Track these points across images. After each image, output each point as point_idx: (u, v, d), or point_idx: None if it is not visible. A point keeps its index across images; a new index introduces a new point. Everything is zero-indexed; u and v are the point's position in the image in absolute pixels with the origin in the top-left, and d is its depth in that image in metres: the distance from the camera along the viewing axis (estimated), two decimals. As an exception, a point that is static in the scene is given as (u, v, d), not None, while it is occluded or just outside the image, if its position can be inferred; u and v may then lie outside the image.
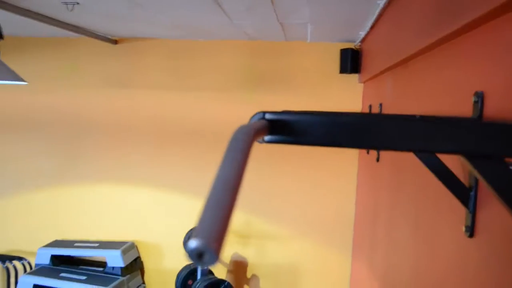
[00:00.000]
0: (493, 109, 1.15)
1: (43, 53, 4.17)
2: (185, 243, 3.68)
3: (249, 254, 4.01)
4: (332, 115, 0.69)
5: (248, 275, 4.02)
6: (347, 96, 3.64)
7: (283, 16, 2.80)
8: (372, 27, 2.80)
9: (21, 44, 4.12)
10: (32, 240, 4.20)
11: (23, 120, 4.25)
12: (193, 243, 0.33)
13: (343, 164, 3.74)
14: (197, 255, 0.33)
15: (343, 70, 3.45)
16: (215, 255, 0.33)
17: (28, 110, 4.23)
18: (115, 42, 4.03)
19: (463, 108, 1.31)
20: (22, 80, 2.76)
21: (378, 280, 2.56)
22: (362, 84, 3.61)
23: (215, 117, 3.88)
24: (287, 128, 0.67)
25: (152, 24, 3.26)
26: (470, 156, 0.71)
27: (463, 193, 1.22)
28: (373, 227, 2.81)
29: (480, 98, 1.20)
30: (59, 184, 4.26)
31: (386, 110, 2.54)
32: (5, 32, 2.82)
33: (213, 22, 3.07)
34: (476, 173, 0.71)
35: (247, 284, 4.03)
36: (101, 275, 3.85)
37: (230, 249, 4.00)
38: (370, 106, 3.05)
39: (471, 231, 1.23)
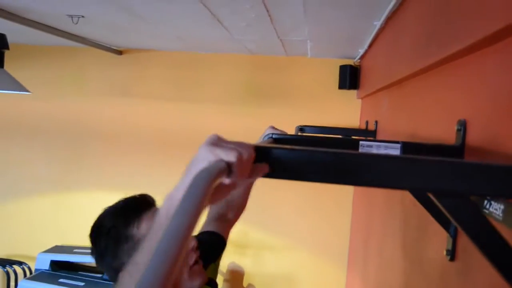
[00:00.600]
0: (476, 137, 1.18)
1: (48, 61, 4.24)
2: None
3: (246, 263, 4.04)
4: (307, 151, 0.73)
5: (245, 284, 4.05)
6: (345, 111, 3.68)
7: (282, 33, 2.85)
8: (370, 46, 2.85)
9: (26, 52, 4.18)
10: (32, 245, 4.24)
11: (27, 126, 4.31)
12: None
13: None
14: None
15: (342, 86, 3.50)
16: None
17: (32, 116, 4.29)
18: (119, 52, 4.10)
19: (448, 134, 1.35)
20: (26, 90, 2.83)
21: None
22: (360, 100, 3.66)
23: (214, 129, 3.90)
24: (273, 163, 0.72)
25: (155, 36, 3.32)
26: (437, 194, 0.75)
27: (444, 218, 1.26)
28: (367, 242, 2.85)
29: (462, 126, 1.24)
30: (60, 190, 4.31)
31: (381, 127, 2.59)
32: (10, 39, 2.88)
33: (214, 36, 3.13)
34: (443, 210, 0.75)
35: (243, 293, 4.07)
36: (99, 281, 3.88)
37: (227, 259, 4.04)
38: (367, 122, 3.09)
39: (451, 255, 1.27)
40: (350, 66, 3.47)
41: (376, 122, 2.68)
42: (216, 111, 3.97)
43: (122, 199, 1.25)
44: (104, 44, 3.84)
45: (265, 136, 1.40)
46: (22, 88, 2.86)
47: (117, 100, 4.15)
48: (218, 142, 0.65)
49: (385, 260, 2.24)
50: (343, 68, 3.50)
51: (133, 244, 1.16)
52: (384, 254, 2.28)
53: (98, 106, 4.19)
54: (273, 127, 1.63)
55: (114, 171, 4.20)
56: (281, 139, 1.37)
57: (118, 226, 1.16)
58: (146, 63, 4.10)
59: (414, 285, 1.70)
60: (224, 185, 0.64)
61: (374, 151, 1.25)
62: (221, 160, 0.62)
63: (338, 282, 3.87)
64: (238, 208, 1.70)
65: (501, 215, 0.90)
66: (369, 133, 2.76)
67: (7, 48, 2.84)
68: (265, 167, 0.68)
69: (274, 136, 1.40)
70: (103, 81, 4.20)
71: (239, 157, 0.62)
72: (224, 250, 1.61)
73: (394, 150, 1.26)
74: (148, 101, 4.10)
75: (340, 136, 2.87)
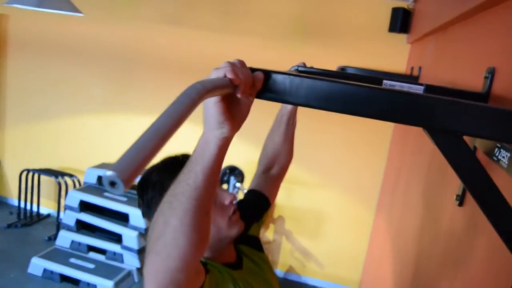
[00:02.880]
0: (502, 85, 1.16)
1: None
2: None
3: (278, 196, 4.14)
4: (301, 77, 0.77)
5: (275, 215, 4.20)
6: (393, 56, 3.56)
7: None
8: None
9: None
10: (82, 160, 4.55)
11: (82, 48, 4.46)
12: (109, 173, 0.40)
13: (379, 122, 3.71)
14: (109, 183, 0.40)
15: (392, 28, 3.37)
16: (124, 186, 0.40)
17: (87, 39, 4.43)
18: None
19: (477, 82, 1.33)
20: (78, 11, 2.92)
21: (392, 237, 2.65)
22: (409, 46, 3.53)
23: (257, 62, 3.93)
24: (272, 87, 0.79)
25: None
26: (430, 130, 0.77)
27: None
28: (395, 187, 2.87)
29: (491, 74, 1.22)
30: (110, 111, 4.52)
31: (424, 74, 2.53)
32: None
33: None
34: (434, 145, 0.77)
35: (273, 223, 4.22)
36: (141, 199, 4.14)
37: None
38: (412, 68, 3.01)
39: (460, 200, 1.29)
40: (403, 9, 3.33)
41: (420, 68, 2.62)
42: (260, 45, 3.94)
43: (167, 157, 1.33)
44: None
45: (292, 68, 1.43)
46: (75, 9, 2.95)
47: (168, 28, 4.20)
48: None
49: (407, 204, 2.28)
50: (395, 11, 3.37)
51: None
52: (407, 198, 2.31)
53: (149, 33, 4.26)
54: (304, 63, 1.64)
55: (163, 97, 4.31)
56: (305, 71, 1.39)
57: (163, 180, 1.25)
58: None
59: (426, 230, 1.74)
60: (241, 100, 0.79)
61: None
62: (224, 77, 0.73)
63: (366, 223, 3.94)
64: (281, 162, 1.65)
65: (506, 163, 0.91)
66: (412, 79, 2.69)
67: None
68: (260, 74, 0.79)
69: (299, 68, 1.43)
70: (154, 7, 4.24)
71: (235, 72, 0.73)
72: (268, 210, 1.62)
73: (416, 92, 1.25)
74: (197, 31, 4.12)
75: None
